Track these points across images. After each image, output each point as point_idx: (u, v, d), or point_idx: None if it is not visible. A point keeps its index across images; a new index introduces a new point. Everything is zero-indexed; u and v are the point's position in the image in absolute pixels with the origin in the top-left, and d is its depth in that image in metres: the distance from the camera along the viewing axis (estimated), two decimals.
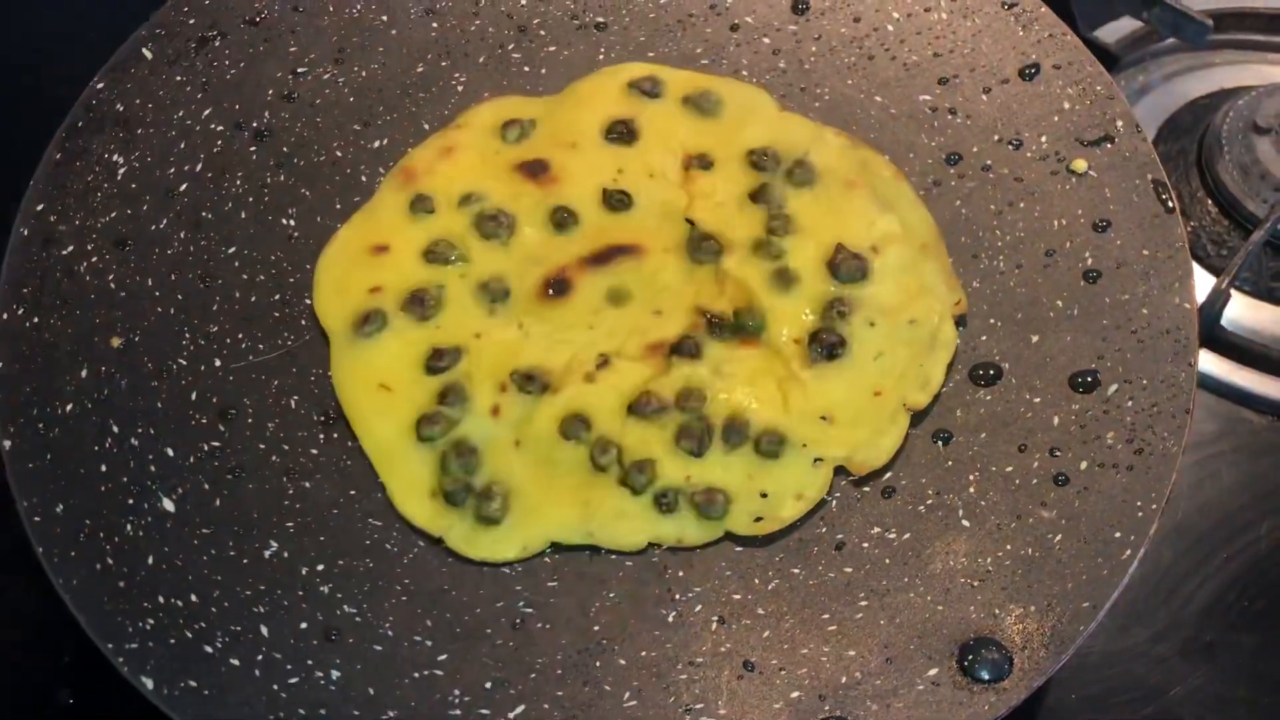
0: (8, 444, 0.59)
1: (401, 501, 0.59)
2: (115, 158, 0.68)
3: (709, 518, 0.58)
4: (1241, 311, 0.77)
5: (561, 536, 0.59)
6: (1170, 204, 0.65)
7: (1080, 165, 0.67)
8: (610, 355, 0.63)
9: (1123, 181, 0.66)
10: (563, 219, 0.66)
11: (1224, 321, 0.75)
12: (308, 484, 0.60)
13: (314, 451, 0.61)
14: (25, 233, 0.65)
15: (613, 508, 0.59)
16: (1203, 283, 0.76)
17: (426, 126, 0.71)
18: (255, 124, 0.70)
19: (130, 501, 0.59)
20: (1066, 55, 0.71)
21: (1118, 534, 0.57)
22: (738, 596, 0.57)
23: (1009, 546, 0.57)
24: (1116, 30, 0.87)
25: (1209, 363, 0.75)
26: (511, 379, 0.62)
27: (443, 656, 0.55)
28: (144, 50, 0.71)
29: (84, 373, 0.62)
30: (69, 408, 0.61)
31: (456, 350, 0.63)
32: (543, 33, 0.74)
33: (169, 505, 0.59)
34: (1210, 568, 0.69)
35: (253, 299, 0.65)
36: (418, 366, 0.62)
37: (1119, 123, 0.68)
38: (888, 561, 0.58)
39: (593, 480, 0.60)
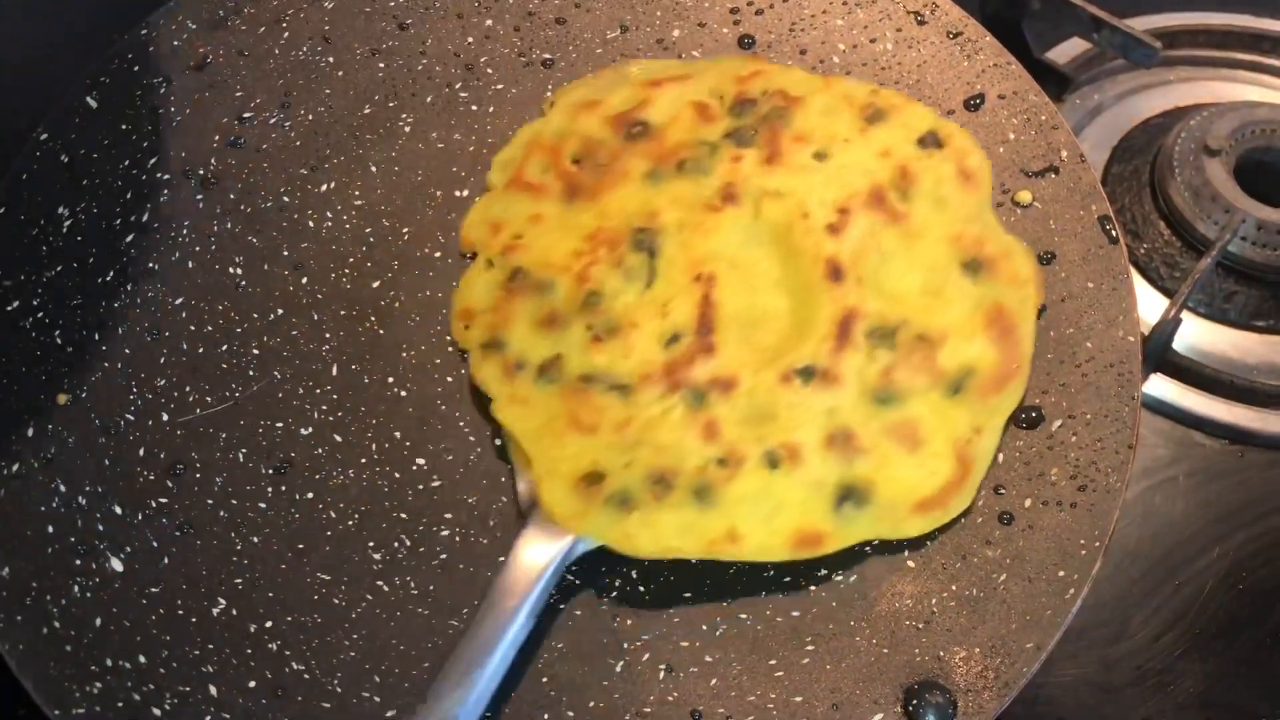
0: None
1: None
2: (60, 210, 0.68)
3: None
4: (1194, 334, 0.77)
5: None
6: (1115, 235, 0.65)
7: (1025, 197, 0.67)
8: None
9: (1067, 213, 0.67)
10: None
11: (1176, 345, 0.75)
12: (256, 539, 0.60)
13: (262, 505, 0.61)
14: None
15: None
16: (1155, 305, 0.76)
17: (374, 169, 0.71)
18: (202, 171, 0.70)
19: (78, 562, 0.59)
20: (1011, 84, 0.71)
21: (1061, 573, 0.57)
22: (685, 644, 0.57)
23: (954, 587, 0.58)
24: (1070, 50, 0.87)
25: (1161, 387, 0.75)
26: None
27: (391, 713, 0.56)
28: (88, 99, 0.71)
29: (30, 431, 0.62)
30: (15, 468, 0.61)
31: None
32: (490, 71, 0.74)
33: (117, 565, 0.59)
34: (1162, 595, 0.69)
35: (200, 350, 0.65)
36: None
37: (1064, 153, 0.68)
38: (834, 604, 0.58)
39: None
